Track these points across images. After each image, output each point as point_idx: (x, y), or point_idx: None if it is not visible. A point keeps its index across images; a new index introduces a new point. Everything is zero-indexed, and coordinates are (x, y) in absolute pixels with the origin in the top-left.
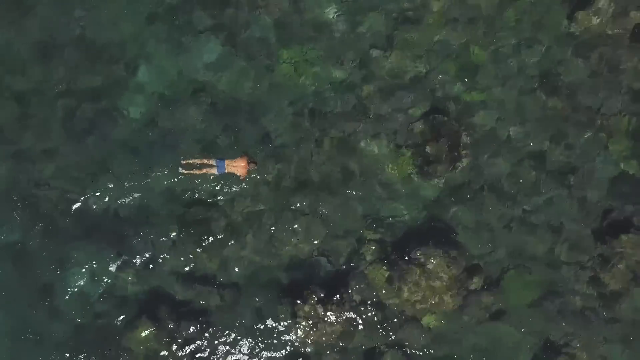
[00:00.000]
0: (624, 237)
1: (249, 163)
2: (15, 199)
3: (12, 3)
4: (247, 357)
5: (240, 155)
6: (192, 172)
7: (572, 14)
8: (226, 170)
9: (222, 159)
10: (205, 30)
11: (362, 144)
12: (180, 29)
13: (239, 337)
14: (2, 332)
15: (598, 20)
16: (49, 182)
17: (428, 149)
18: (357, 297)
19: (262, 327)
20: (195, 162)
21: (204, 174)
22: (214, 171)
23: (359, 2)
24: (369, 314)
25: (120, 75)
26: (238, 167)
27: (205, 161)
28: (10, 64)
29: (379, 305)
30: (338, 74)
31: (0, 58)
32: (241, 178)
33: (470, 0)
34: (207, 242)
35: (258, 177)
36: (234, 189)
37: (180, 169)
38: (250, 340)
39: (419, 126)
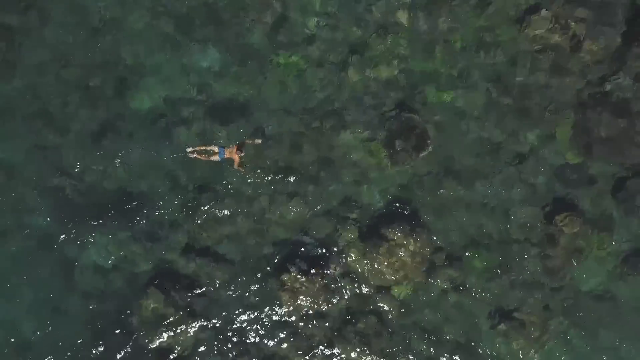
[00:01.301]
0: (558, 217)
1: (237, 151)
2: (40, 185)
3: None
4: (240, 323)
5: (234, 144)
6: (198, 156)
7: (523, 25)
8: (225, 156)
9: (223, 147)
10: (204, 39)
11: (342, 135)
12: (184, 36)
13: (233, 306)
14: (28, 302)
15: (543, 31)
16: (69, 171)
17: (397, 141)
18: (335, 270)
19: (253, 296)
20: (200, 149)
21: (209, 159)
22: (216, 157)
23: (339, 15)
24: (346, 285)
25: (132, 79)
26: (232, 154)
27: (209, 148)
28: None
29: (355, 277)
30: (321, 75)
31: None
32: (236, 164)
33: (434, 14)
34: (206, 222)
35: (252, 163)
36: (231, 173)
37: (189, 153)
38: (243, 309)
39: (390, 121)
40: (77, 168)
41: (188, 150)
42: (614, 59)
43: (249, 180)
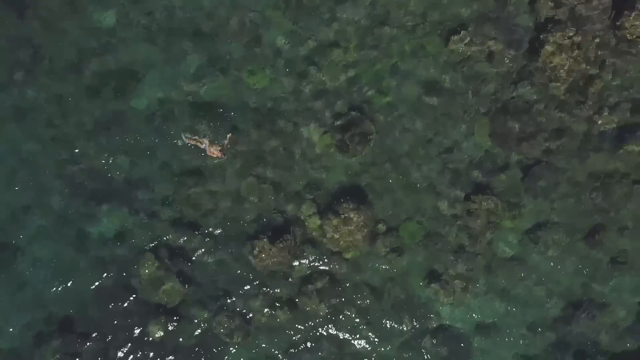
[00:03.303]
0: (476, 197)
1: (221, 152)
2: (56, 171)
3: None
4: (219, 282)
5: (218, 145)
6: (190, 142)
7: (448, 40)
8: (208, 146)
9: (208, 142)
10: (191, 52)
11: (303, 131)
12: (175, 48)
13: (217, 269)
14: (49, 263)
15: (463, 47)
16: (80, 159)
17: (347, 135)
18: (297, 239)
19: (232, 261)
20: (192, 138)
21: (197, 147)
22: (203, 146)
23: (300, 33)
24: (305, 251)
25: (132, 83)
26: (217, 151)
27: (198, 138)
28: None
29: (313, 244)
30: (286, 83)
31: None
32: (216, 154)
33: (377, 31)
34: (192, 200)
35: (231, 153)
36: (214, 162)
37: (185, 140)
38: (225, 270)
39: (341, 119)
40: (86, 156)
41: (185, 137)
42: (520, 70)
43: (227, 167)
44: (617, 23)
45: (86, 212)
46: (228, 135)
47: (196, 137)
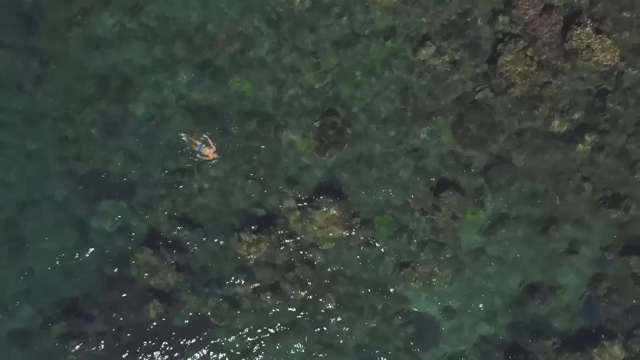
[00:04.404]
0: (441, 193)
1: (215, 153)
2: (61, 168)
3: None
4: (209, 270)
5: (211, 147)
6: (186, 140)
7: (416, 50)
8: (203, 146)
9: (202, 144)
10: (182, 60)
11: (285, 133)
12: (168, 57)
13: (209, 260)
14: (55, 253)
15: (431, 55)
16: (83, 158)
17: (324, 137)
18: (279, 231)
19: (221, 250)
20: (189, 138)
21: (192, 147)
22: (197, 148)
23: (282, 44)
24: (287, 241)
25: (130, 90)
26: (207, 147)
27: (193, 138)
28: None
29: (293, 236)
30: (269, 89)
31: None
32: (210, 155)
33: (352, 42)
34: (185, 196)
35: (221, 154)
36: (208, 161)
37: (183, 138)
38: (214, 259)
39: (320, 122)
40: (88, 155)
41: (182, 136)
42: (481, 77)
43: (216, 165)
44: (567, 36)
45: (88, 207)
46: (204, 135)
47: (192, 138)
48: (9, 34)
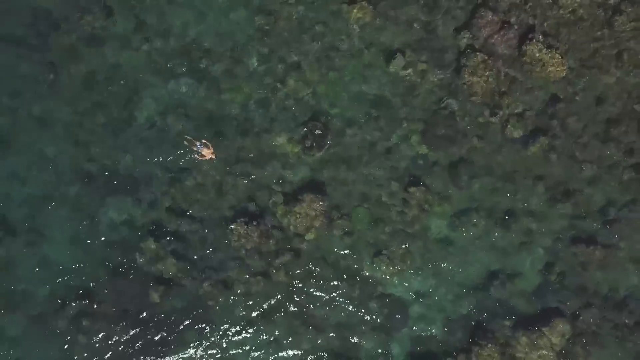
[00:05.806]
0: (411, 189)
1: (212, 153)
2: (73, 167)
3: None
4: (206, 258)
5: (210, 148)
6: (187, 143)
7: (389, 62)
8: (202, 147)
9: (201, 145)
10: (181, 73)
11: (273, 137)
12: (169, 68)
13: (206, 248)
14: (66, 239)
15: (402, 67)
16: (94, 158)
17: (307, 140)
18: (268, 223)
19: (216, 241)
20: (190, 139)
21: (193, 147)
22: (196, 149)
23: (271, 57)
24: (275, 232)
25: (136, 99)
26: (208, 153)
27: (194, 141)
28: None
29: (281, 227)
30: (259, 97)
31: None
32: (208, 156)
33: (332, 55)
34: (184, 192)
35: (217, 155)
36: (202, 160)
37: (185, 142)
38: (210, 249)
39: (303, 127)
40: (98, 156)
41: (186, 138)
42: (447, 86)
43: (212, 165)
44: (522, 49)
45: (98, 202)
46: (203, 141)
47: (192, 141)
48: (26, 46)
